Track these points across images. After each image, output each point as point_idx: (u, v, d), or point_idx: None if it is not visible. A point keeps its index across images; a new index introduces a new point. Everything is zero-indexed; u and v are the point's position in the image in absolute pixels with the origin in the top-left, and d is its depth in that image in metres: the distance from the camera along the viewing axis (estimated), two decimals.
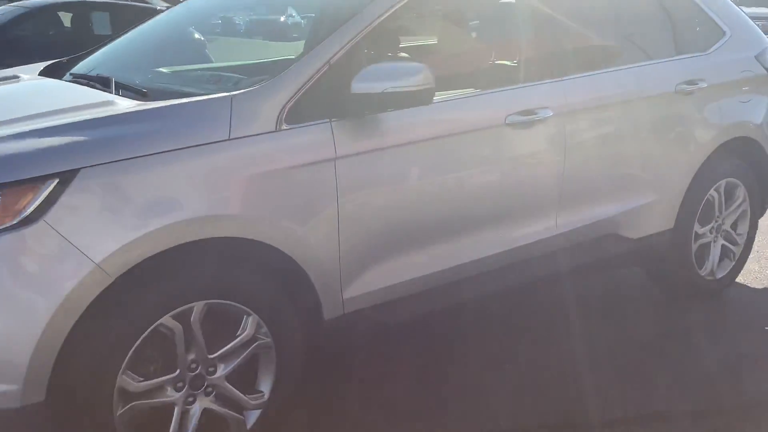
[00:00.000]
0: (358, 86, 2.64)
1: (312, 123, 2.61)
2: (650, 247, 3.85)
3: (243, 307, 2.50)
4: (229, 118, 2.46)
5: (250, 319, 2.53)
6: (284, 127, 2.55)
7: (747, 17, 4.33)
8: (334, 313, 2.75)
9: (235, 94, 2.53)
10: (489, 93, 3.12)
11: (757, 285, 4.50)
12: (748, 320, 4.03)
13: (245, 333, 2.53)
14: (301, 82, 2.62)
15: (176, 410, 2.45)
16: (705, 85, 3.84)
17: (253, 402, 2.62)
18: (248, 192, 2.47)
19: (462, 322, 3.60)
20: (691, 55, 3.91)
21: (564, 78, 3.31)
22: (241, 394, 2.58)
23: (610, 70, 3.54)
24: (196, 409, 2.50)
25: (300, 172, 2.57)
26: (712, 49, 4.01)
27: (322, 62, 2.67)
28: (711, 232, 4.17)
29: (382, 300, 2.87)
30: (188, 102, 2.50)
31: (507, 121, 3.08)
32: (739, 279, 4.52)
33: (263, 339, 2.59)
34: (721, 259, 4.28)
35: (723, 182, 4.10)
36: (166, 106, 2.48)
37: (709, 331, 3.88)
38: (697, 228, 4.06)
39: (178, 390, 2.45)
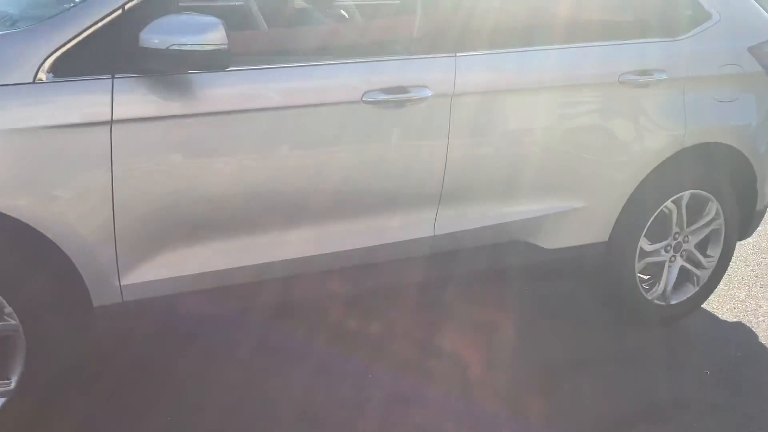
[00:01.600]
0: (146, 39, 2.23)
1: (86, 78, 2.23)
2: (573, 261, 3.29)
3: None
4: None
5: None
6: (45, 79, 2.17)
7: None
8: (107, 300, 2.39)
9: None
10: (343, 63, 2.64)
11: (730, 317, 3.84)
12: (689, 359, 3.41)
13: None
14: (80, 28, 2.22)
15: None
16: (664, 77, 3.20)
17: None
18: None
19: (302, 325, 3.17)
20: (652, 40, 3.26)
21: (458, 54, 2.78)
22: None
23: (527, 49, 2.96)
24: None
25: (60, 135, 2.20)
26: (686, 35, 3.33)
27: (113, 6, 2.26)
28: (666, 251, 3.56)
29: (178, 290, 2.48)
30: None
31: (364, 99, 2.60)
32: (713, 307, 3.89)
33: (8, 321, 2.27)
34: (681, 283, 3.67)
35: (686, 194, 3.47)
36: None
37: (630, 368, 3.28)
38: (645, 244, 3.45)
39: None
